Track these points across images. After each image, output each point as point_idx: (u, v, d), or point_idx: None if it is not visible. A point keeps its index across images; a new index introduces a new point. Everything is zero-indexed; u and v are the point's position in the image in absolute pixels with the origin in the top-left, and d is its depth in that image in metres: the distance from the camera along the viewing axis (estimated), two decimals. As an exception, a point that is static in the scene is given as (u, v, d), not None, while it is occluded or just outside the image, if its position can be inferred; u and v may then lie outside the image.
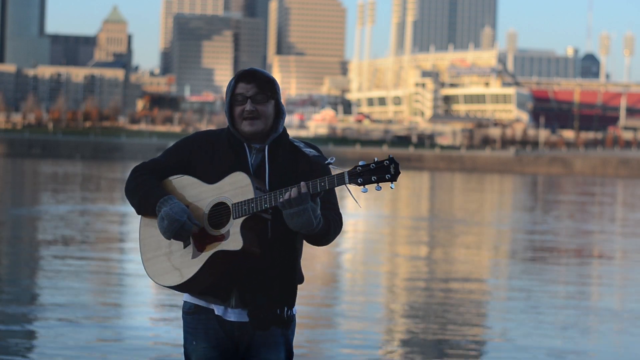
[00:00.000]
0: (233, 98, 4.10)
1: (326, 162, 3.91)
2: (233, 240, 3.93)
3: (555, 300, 14.07)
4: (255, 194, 3.91)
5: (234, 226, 3.94)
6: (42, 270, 15.78)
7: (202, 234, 4.01)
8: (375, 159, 3.79)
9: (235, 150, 4.10)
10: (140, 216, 4.16)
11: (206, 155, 4.12)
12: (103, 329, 10.69)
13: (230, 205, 3.96)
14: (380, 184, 3.76)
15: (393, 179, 3.75)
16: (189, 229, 3.95)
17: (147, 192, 4.05)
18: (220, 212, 4.00)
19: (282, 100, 4.05)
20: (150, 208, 4.03)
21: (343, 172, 3.78)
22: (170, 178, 4.13)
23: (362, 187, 3.78)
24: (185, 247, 4.02)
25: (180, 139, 4.25)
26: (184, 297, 4.20)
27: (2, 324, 10.69)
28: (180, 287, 4.04)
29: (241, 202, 3.93)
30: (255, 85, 4.07)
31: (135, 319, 11.58)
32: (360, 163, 3.77)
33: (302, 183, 3.83)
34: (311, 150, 4.10)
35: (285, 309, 4.06)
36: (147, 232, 4.13)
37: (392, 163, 3.77)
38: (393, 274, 17.15)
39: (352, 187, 3.87)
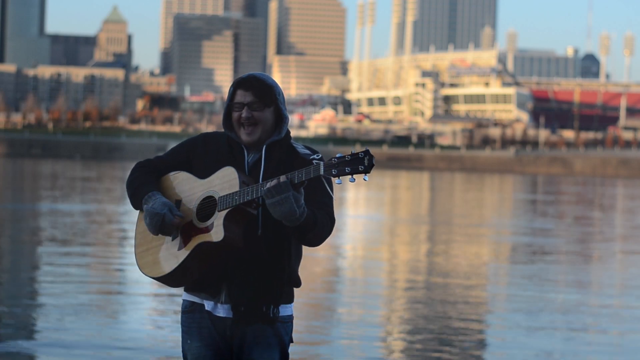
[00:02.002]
0: (231, 105, 4.16)
1: (311, 157, 3.96)
2: (215, 232, 3.98)
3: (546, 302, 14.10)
4: (240, 187, 3.98)
5: (218, 218, 4.00)
6: (37, 267, 15.82)
7: (189, 226, 4.08)
8: (352, 151, 3.82)
9: (233, 149, 4.18)
10: (138, 211, 4.24)
11: (206, 153, 4.20)
12: (103, 327, 10.72)
13: (217, 198, 4.05)
14: (353, 176, 3.79)
15: (366, 170, 3.76)
16: (169, 220, 4.02)
17: (138, 187, 4.15)
18: (208, 205, 4.07)
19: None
20: (139, 204, 4.14)
21: (319, 163, 3.82)
22: (169, 174, 4.23)
23: (336, 178, 3.81)
24: (173, 239, 4.10)
25: (187, 138, 4.33)
26: (182, 296, 4.25)
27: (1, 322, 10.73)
28: (166, 279, 4.11)
29: (226, 194, 3.99)
30: (252, 93, 4.11)
31: (136, 317, 11.60)
32: (337, 155, 3.80)
33: (283, 176, 3.89)
34: (306, 150, 4.14)
35: (272, 307, 4.08)
36: (142, 226, 4.23)
37: (366, 155, 3.77)
38: (392, 276, 17.18)
39: (357, 176, 3.90)
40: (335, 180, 3.85)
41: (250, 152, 4.18)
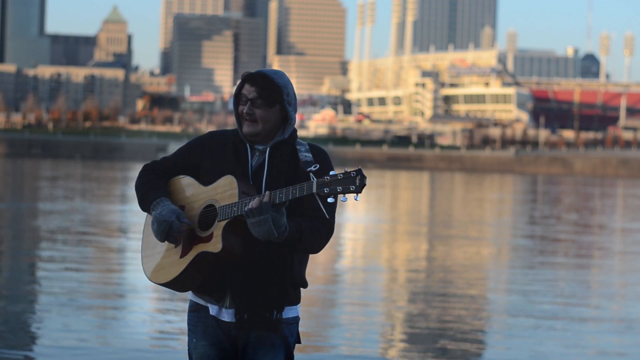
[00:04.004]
0: (237, 98, 4.18)
1: (308, 169, 3.92)
2: (214, 242, 4.01)
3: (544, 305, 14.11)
4: (239, 197, 3.99)
5: (217, 229, 4.02)
6: (36, 265, 15.82)
7: (192, 234, 4.11)
8: (345, 170, 3.82)
9: (238, 151, 4.17)
10: (145, 214, 4.28)
11: (212, 156, 4.20)
12: (103, 325, 10.73)
13: (217, 207, 4.06)
14: (345, 195, 3.80)
15: (357, 191, 3.76)
16: (177, 228, 4.03)
17: (146, 192, 4.16)
18: (209, 214, 4.09)
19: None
20: (147, 209, 4.17)
21: (312, 181, 3.82)
22: (174, 178, 4.24)
23: (328, 197, 3.81)
24: (176, 246, 4.14)
25: (194, 138, 4.32)
26: (189, 296, 4.28)
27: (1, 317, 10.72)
28: (169, 285, 4.16)
29: (226, 205, 4.01)
30: (256, 89, 4.11)
31: (138, 316, 11.60)
32: (331, 173, 3.80)
33: (267, 192, 3.90)
34: (308, 155, 4.12)
35: (275, 312, 4.09)
36: (149, 230, 4.26)
37: (358, 175, 3.77)
38: (392, 279, 17.19)
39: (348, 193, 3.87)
40: (340, 197, 3.83)
41: (254, 153, 4.17)
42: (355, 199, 3.79)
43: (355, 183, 3.77)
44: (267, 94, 4.10)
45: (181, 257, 4.10)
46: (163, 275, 4.15)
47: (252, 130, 4.12)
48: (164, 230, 4.04)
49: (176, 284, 4.13)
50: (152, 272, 4.21)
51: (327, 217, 4.03)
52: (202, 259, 4.04)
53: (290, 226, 3.95)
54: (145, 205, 4.17)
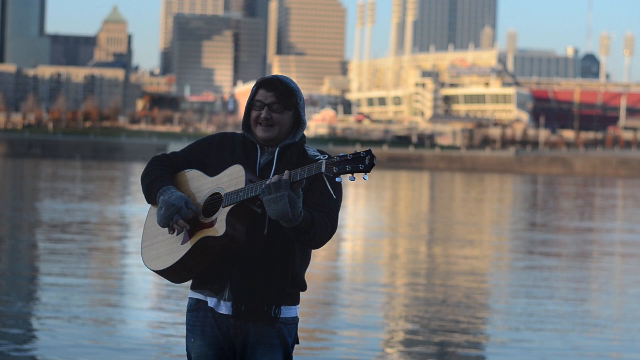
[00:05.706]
0: (252, 103, 4.22)
1: (317, 157, 3.97)
2: (218, 227, 4.04)
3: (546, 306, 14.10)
4: (246, 184, 4.03)
5: (222, 214, 4.05)
6: (38, 262, 15.82)
7: (195, 222, 4.13)
8: (355, 151, 3.87)
9: (247, 149, 4.24)
10: (149, 206, 4.31)
11: (220, 153, 4.26)
12: (103, 325, 10.73)
13: (222, 194, 4.10)
14: (354, 175, 3.84)
15: (366, 169, 3.80)
16: (185, 214, 4.06)
17: (154, 181, 4.20)
18: (214, 202, 4.13)
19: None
20: (153, 197, 4.19)
21: (321, 161, 3.86)
22: (181, 172, 4.30)
23: (337, 176, 3.85)
24: (177, 234, 4.15)
25: (203, 137, 4.38)
26: (189, 294, 4.29)
27: None
28: (167, 273, 4.16)
29: (232, 191, 4.05)
30: (274, 94, 4.16)
31: (138, 315, 11.59)
32: (340, 154, 3.84)
33: (286, 171, 3.93)
34: (316, 152, 4.17)
35: (273, 307, 4.10)
36: (151, 221, 4.30)
37: (367, 155, 3.82)
38: (392, 281, 17.19)
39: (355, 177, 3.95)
40: (348, 177, 3.87)
41: (263, 152, 4.22)
42: (364, 178, 3.83)
43: (364, 162, 3.81)
44: (284, 98, 4.16)
45: (182, 243, 4.12)
46: (162, 262, 4.16)
47: (268, 135, 4.17)
48: (171, 215, 4.05)
49: (174, 271, 4.14)
50: (151, 259, 4.21)
51: (335, 197, 4.08)
52: (203, 244, 4.06)
53: (304, 212, 3.98)
54: (151, 193, 4.20)
